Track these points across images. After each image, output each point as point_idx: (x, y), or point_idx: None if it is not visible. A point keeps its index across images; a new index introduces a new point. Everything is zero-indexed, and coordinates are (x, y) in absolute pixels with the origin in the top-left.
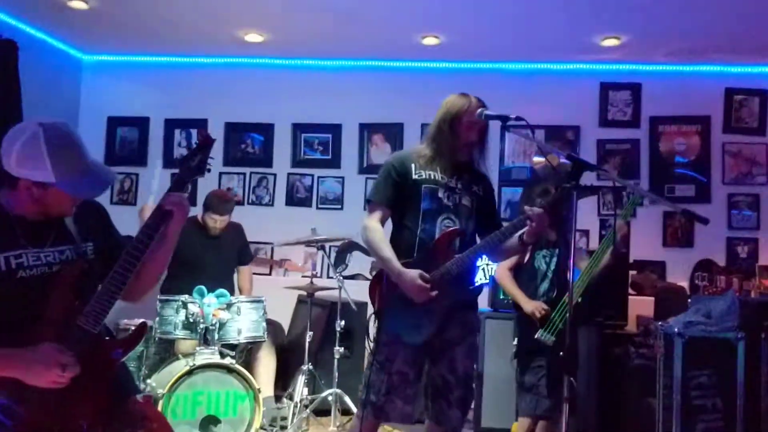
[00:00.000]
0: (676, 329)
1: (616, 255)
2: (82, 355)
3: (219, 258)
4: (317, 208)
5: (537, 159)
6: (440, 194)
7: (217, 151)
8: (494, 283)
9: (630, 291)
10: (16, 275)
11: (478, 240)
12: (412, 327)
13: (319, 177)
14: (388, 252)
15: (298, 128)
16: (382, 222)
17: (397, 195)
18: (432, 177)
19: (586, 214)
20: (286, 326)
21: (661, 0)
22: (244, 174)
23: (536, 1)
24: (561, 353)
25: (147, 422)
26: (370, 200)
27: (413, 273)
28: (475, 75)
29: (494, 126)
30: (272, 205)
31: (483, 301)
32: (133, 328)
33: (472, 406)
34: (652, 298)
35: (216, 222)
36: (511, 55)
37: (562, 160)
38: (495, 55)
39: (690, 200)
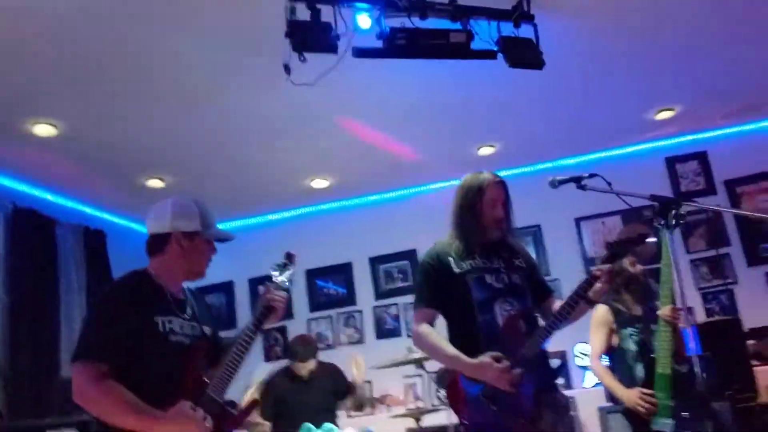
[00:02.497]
0: None
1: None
2: (212, 418)
3: (318, 400)
4: (407, 336)
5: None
6: (488, 280)
7: (301, 300)
8: None
9: (753, 362)
10: (168, 338)
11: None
12: (504, 423)
13: (404, 304)
14: (452, 350)
15: (375, 261)
16: (431, 324)
17: (442, 293)
18: (474, 265)
19: (686, 288)
20: None
21: (704, 65)
22: (331, 316)
23: (585, 90)
24: None
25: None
26: (416, 306)
27: (486, 358)
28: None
29: (567, 230)
30: (363, 342)
31: (599, 396)
32: None
33: None
34: None
35: (302, 368)
36: (568, 150)
37: (650, 240)
38: (552, 153)
39: None
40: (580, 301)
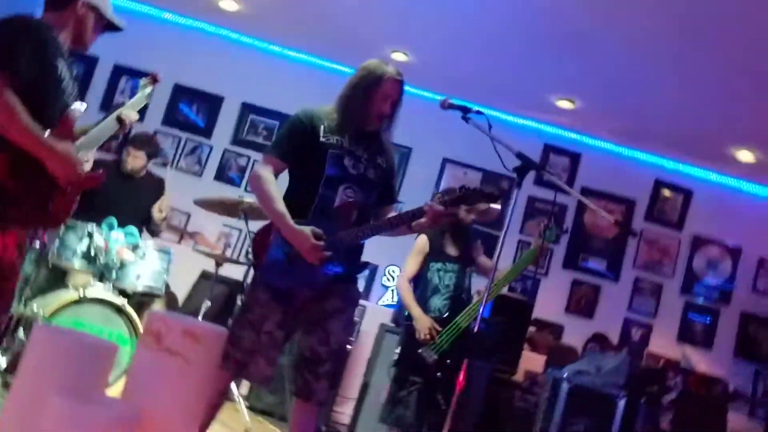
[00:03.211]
0: (565, 374)
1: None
2: None
3: (133, 201)
4: (246, 190)
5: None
6: (346, 162)
7: (158, 109)
8: (400, 303)
9: (525, 346)
10: (61, 84)
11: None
12: (293, 286)
13: (255, 160)
14: (282, 207)
15: (247, 107)
16: (276, 176)
17: (299, 153)
18: (339, 143)
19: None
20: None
21: (622, 80)
22: (180, 138)
23: (506, 47)
24: (438, 374)
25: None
26: (269, 151)
27: (307, 230)
28: (430, 104)
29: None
30: (200, 176)
31: (386, 316)
32: None
33: (351, 412)
34: (544, 357)
35: (131, 157)
36: (469, 95)
37: (496, 205)
38: (454, 89)
39: (599, 274)
40: (403, 223)
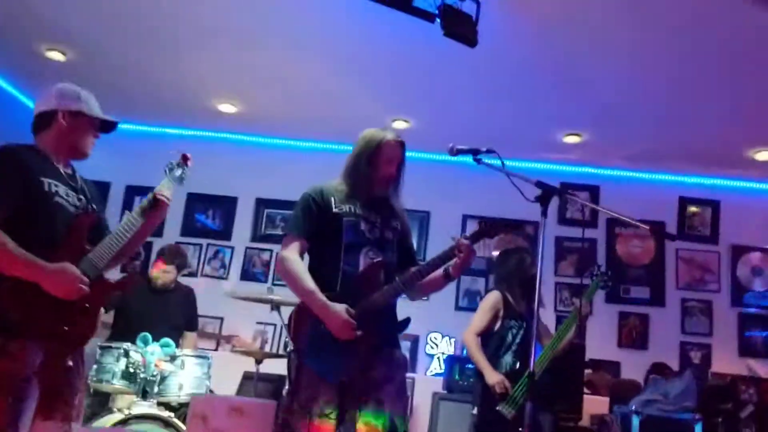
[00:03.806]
0: (633, 407)
1: (572, 345)
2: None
3: (165, 316)
4: (273, 284)
5: (495, 252)
6: (362, 227)
7: (175, 221)
8: (449, 367)
9: (585, 390)
10: (53, 198)
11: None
12: (336, 364)
13: (277, 253)
14: (311, 284)
15: (262, 203)
16: (300, 255)
17: (316, 228)
18: (352, 210)
19: (543, 311)
20: None
21: (623, 103)
22: (201, 245)
23: (500, 94)
24: (520, 429)
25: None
26: (287, 233)
27: (340, 307)
28: (440, 165)
29: (453, 224)
30: (226, 278)
31: (438, 385)
32: None
33: None
34: (607, 399)
35: (161, 272)
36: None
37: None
38: (459, 144)
39: (645, 302)
40: (441, 264)
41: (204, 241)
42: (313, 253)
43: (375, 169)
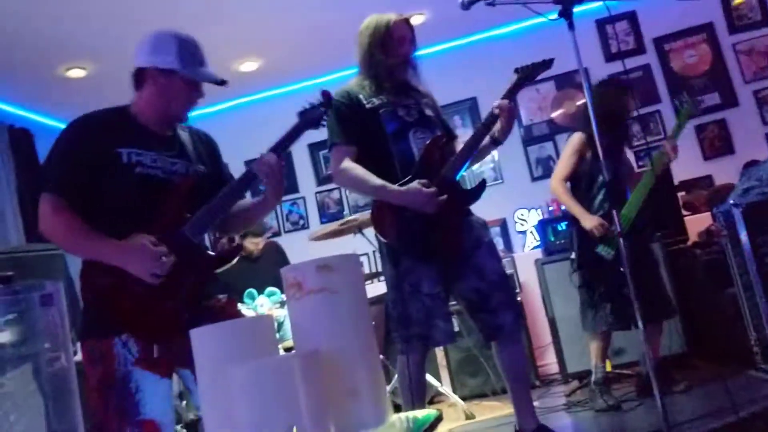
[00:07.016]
0: (731, 201)
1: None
2: (181, 256)
3: (262, 272)
4: (352, 214)
5: (554, 114)
6: (400, 113)
7: None
8: (542, 232)
9: (684, 212)
10: (134, 170)
11: None
12: (429, 245)
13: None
14: (378, 180)
15: (313, 147)
16: (353, 161)
17: (358, 129)
18: (385, 100)
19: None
20: None
21: None
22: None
23: None
24: (621, 269)
25: (226, 316)
26: (332, 144)
27: (414, 184)
28: (468, 47)
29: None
30: (308, 227)
31: (538, 256)
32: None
33: (553, 356)
34: (708, 213)
35: (254, 244)
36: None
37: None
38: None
39: (719, 108)
40: (485, 135)
41: None
42: (364, 156)
43: (390, 53)
